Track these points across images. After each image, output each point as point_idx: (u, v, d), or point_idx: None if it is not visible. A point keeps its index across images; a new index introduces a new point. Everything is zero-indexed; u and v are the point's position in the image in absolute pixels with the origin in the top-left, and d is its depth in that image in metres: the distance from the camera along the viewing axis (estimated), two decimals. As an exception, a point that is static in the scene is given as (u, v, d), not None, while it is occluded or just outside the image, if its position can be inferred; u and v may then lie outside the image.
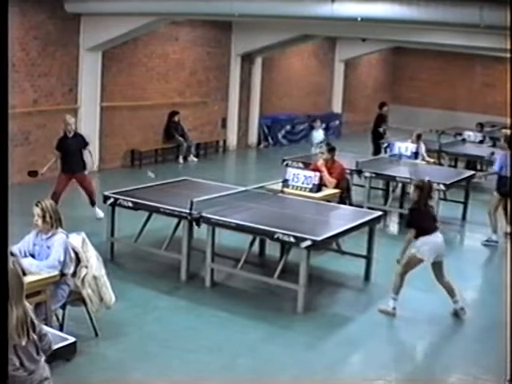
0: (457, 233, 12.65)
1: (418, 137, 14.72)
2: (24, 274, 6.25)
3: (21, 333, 4.28)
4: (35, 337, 4.40)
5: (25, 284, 4.56)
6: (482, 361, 7.19)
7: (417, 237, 7.94)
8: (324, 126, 23.33)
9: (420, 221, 8.01)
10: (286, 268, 8.52)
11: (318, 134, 16.98)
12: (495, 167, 12.01)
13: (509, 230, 11.99)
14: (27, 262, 6.48)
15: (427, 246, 7.92)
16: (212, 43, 19.45)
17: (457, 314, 8.16)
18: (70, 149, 11.55)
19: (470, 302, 8.84)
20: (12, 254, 6.48)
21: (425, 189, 8.02)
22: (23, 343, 4.30)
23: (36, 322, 4.47)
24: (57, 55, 14.66)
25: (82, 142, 11.76)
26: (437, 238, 8.03)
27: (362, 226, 9.20)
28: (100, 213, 11.58)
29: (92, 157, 12.25)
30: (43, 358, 4.50)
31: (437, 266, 8.09)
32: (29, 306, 4.51)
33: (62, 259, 6.56)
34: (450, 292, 8.16)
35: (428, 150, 14.94)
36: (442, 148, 16.40)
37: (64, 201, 11.08)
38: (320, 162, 11.05)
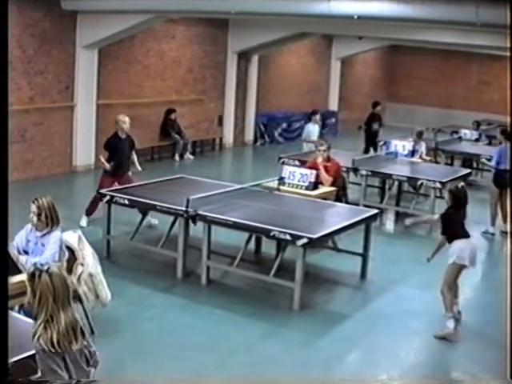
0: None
1: (419, 134, 14.73)
2: (20, 271, 6.25)
3: (72, 338, 4.19)
4: (85, 343, 4.33)
5: (71, 287, 4.45)
6: (480, 359, 7.20)
7: (450, 241, 7.68)
8: (321, 122, 23.36)
9: (454, 225, 7.75)
10: (282, 266, 8.52)
11: (314, 129, 16.18)
12: (492, 162, 12.13)
13: (506, 227, 12.01)
14: (24, 258, 6.47)
15: (466, 250, 7.61)
16: (208, 41, 19.44)
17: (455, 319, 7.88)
18: (123, 150, 11.14)
19: (468, 301, 8.85)
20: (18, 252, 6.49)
21: (460, 195, 7.82)
22: (74, 348, 4.21)
23: (84, 329, 4.38)
24: (53, 53, 14.64)
25: (131, 144, 11.38)
26: (470, 243, 7.76)
27: (358, 223, 9.20)
28: (155, 220, 10.99)
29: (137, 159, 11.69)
30: (93, 370, 4.43)
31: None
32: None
33: (56, 258, 6.55)
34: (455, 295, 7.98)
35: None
36: (438, 146, 16.43)
37: (62, 199, 11.04)
38: (320, 160, 11.04)
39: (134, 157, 11.48)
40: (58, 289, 4.17)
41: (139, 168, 11.46)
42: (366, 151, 17.51)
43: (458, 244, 7.60)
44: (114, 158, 11.08)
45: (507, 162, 11.69)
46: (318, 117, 16.37)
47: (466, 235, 7.71)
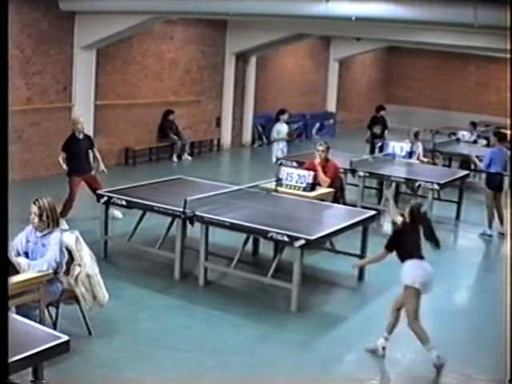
0: (451, 232, 12.66)
1: (416, 135, 14.75)
2: (18, 272, 6.24)
3: None
4: None
5: None
6: (477, 361, 7.19)
7: (403, 261, 6.96)
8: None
9: (408, 243, 7.03)
10: (280, 267, 8.52)
11: (282, 128, 15.94)
12: (482, 165, 12.15)
13: (503, 229, 12.03)
14: (25, 262, 6.45)
15: (418, 271, 6.88)
16: (206, 42, 19.45)
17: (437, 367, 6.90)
18: (81, 150, 11.38)
19: (465, 302, 8.86)
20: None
21: (419, 214, 7.13)
22: None
23: None
24: (51, 53, 14.64)
25: (90, 143, 11.62)
26: (426, 265, 7.00)
27: (355, 225, 9.20)
28: (118, 213, 11.31)
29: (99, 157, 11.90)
30: None
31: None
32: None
33: (58, 259, 6.54)
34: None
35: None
36: (436, 147, 16.44)
37: (59, 199, 11.03)
38: (318, 161, 11.04)
39: (98, 156, 11.77)
40: None
41: (103, 168, 11.73)
42: (372, 152, 17.56)
43: (409, 264, 6.91)
44: (73, 158, 11.32)
45: (499, 165, 11.71)
46: (286, 116, 16.23)
47: (420, 257, 7.00)
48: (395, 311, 7.11)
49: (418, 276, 6.84)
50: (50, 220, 6.63)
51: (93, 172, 11.60)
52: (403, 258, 6.96)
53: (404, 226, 7.11)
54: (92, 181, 11.38)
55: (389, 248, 7.07)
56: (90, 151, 11.63)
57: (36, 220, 6.63)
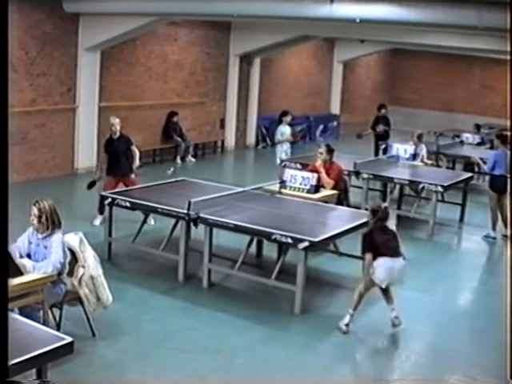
0: (454, 234, 12.65)
1: (419, 137, 14.73)
2: (21, 273, 6.25)
3: None
4: None
5: None
6: (480, 362, 7.19)
7: (374, 258, 7.47)
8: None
9: (376, 244, 7.48)
10: (284, 269, 8.51)
11: (285, 131, 15.89)
12: (486, 167, 12.16)
13: (506, 232, 12.02)
14: (30, 264, 6.46)
15: (385, 269, 7.46)
16: (211, 44, 19.46)
17: (393, 324, 7.75)
18: (117, 151, 11.30)
19: (468, 304, 8.85)
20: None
21: (380, 213, 7.59)
22: None
23: None
24: (55, 55, 14.66)
25: (127, 143, 11.49)
26: (395, 262, 7.51)
27: (359, 227, 9.18)
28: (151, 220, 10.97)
29: (137, 155, 11.64)
30: None
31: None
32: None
33: (62, 260, 6.55)
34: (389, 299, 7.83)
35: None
36: (440, 150, 16.44)
37: (63, 201, 11.05)
38: (318, 163, 11.04)
39: (135, 152, 11.56)
40: None
41: (137, 163, 11.57)
42: (376, 153, 17.56)
43: (378, 262, 7.43)
44: (109, 159, 11.32)
45: (503, 167, 11.69)
46: (289, 118, 16.18)
47: (391, 255, 7.46)
48: (357, 293, 7.67)
49: (380, 274, 7.42)
50: (50, 222, 6.63)
51: (132, 175, 11.46)
52: (374, 256, 7.44)
53: (370, 227, 7.63)
54: (129, 184, 11.10)
55: (364, 252, 7.56)
56: (129, 151, 11.46)
57: (35, 221, 6.64)
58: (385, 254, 7.43)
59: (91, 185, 11.50)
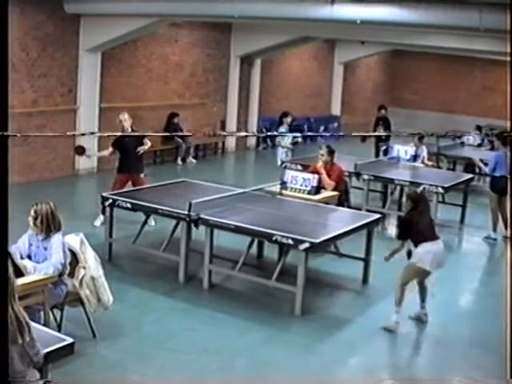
0: (455, 236, 12.65)
1: (420, 139, 14.74)
2: (22, 274, 6.26)
3: (16, 333, 4.21)
4: (28, 339, 4.31)
5: (12, 282, 4.40)
6: (481, 363, 7.19)
7: (416, 245, 7.66)
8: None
9: (417, 229, 7.68)
10: (284, 270, 8.52)
11: (287, 132, 15.74)
12: (487, 169, 12.18)
13: (507, 233, 12.02)
14: (31, 265, 6.46)
15: (429, 254, 7.60)
16: (211, 45, 19.47)
17: (420, 319, 8.04)
18: (128, 147, 11.17)
19: (469, 305, 8.84)
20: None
21: (419, 199, 7.82)
22: (18, 343, 4.22)
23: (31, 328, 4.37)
24: (56, 56, 14.67)
25: (138, 140, 11.31)
26: (437, 245, 7.74)
27: (360, 228, 9.20)
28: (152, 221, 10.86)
29: (148, 145, 11.43)
30: (32, 371, 4.40)
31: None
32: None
33: (63, 261, 6.55)
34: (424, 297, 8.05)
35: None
36: (440, 151, 16.44)
37: (64, 202, 11.05)
38: (319, 164, 11.04)
39: (147, 143, 11.38)
40: None
41: (141, 148, 11.32)
42: (377, 155, 17.59)
43: (422, 247, 7.60)
44: (120, 156, 11.27)
45: (504, 169, 11.70)
46: (289, 119, 16.08)
47: (432, 238, 7.71)
48: (401, 287, 7.71)
49: (429, 259, 7.52)
50: (44, 226, 6.60)
51: (142, 174, 11.40)
52: (416, 242, 7.61)
53: (408, 214, 7.85)
54: (138, 183, 11.10)
55: (400, 238, 7.78)
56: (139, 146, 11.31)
57: (31, 223, 6.66)
58: (426, 240, 7.61)
59: (79, 150, 11.44)
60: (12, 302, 4.27)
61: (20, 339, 4.27)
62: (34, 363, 4.42)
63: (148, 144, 11.41)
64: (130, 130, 11.29)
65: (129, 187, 11.08)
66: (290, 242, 7.96)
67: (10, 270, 5.83)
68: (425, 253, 7.59)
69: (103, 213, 10.90)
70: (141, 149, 11.25)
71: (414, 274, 7.75)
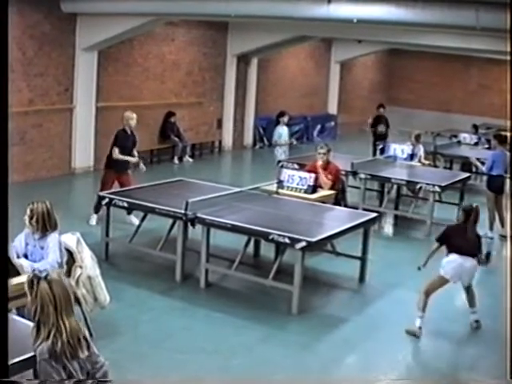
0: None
1: (417, 137, 14.75)
2: (19, 273, 6.25)
3: (77, 346, 4.17)
4: (87, 353, 4.28)
5: (72, 293, 4.41)
6: (479, 363, 7.20)
7: (448, 253, 7.79)
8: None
9: (455, 239, 7.78)
10: (281, 269, 8.52)
11: (283, 131, 15.78)
12: (484, 168, 12.20)
13: (503, 232, 12.04)
14: (27, 264, 6.45)
15: (455, 265, 7.69)
16: (208, 44, 19.45)
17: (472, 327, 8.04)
18: (128, 146, 11.21)
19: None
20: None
21: (470, 213, 7.82)
22: (79, 356, 4.17)
23: (88, 338, 4.32)
24: (53, 55, 14.64)
25: (135, 141, 11.39)
26: (466, 261, 7.72)
27: (357, 227, 9.20)
28: (135, 220, 10.81)
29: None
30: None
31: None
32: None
33: (59, 260, 6.54)
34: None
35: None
36: (437, 150, 16.45)
37: (61, 201, 11.03)
38: (319, 163, 11.04)
39: (135, 154, 11.44)
40: (59, 296, 4.12)
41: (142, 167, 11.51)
42: (374, 153, 17.62)
43: (450, 258, 7.72)
44: (121, 153, 11.14)
45: (501, 168, 11.73)
46: (286, 118, 16.11)
47: (464, 253, 7.70)
48: (426, 294, 7.78)
49: (451, 270, 7.65)
50: (40, 225, 6.61)
51: (129, 171, 11.38)
52: (449, 250, 7.77)
53: (457, 224, 8.09)
54: (125, 181, 11.09)
55: (439, 240, 7.96)
56: (134, 149, 11.37)
57: (27, 222, 6.65)
58: (457, 252, 7.69)
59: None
60: (71, 315, 4.23)
61: (80, 353, 4.21)
62: (96, 380, 4.35)
63: (136, 158, 11.41)
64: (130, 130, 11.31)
65: (116, 185, 11.10)
66: (287, 240, 7.96)
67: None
68: (449, 262, 7.70)
69: (96, 212, 10.91)
70: (130, 159, 11.27)
71: (439, 282, 7.79)
